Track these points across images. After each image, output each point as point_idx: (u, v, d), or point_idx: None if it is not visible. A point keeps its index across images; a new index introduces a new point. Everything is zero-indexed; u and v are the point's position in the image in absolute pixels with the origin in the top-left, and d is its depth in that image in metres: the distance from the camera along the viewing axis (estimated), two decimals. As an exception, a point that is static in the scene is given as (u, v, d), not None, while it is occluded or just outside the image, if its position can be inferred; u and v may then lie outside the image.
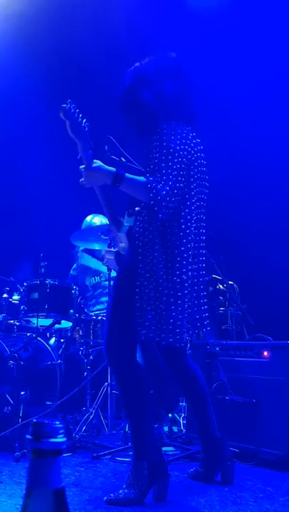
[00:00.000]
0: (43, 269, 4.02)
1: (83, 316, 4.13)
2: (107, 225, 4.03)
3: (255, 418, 3.14)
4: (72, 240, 4.17)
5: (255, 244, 5.08)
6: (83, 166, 2.42)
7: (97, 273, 4.79)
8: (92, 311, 4.48)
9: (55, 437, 0.71)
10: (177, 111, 2.51)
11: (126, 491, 2.32)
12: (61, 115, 2.29)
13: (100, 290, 4.75)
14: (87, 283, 4.79)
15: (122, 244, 2.55)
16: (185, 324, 2.41)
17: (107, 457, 3.20)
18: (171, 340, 2.36)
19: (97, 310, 4.51)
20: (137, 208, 2.51)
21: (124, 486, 2.34)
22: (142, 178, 2.37)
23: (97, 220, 4.68)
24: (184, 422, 3.95)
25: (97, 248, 4.71)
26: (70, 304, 4.03)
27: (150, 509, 2.26)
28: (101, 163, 2.42)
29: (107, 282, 4.09)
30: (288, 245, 4.99)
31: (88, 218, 4.75)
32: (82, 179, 2.45)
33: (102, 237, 3.92)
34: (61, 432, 0.72)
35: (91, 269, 4.81)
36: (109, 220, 2.65)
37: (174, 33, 5.12)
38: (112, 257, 2.65)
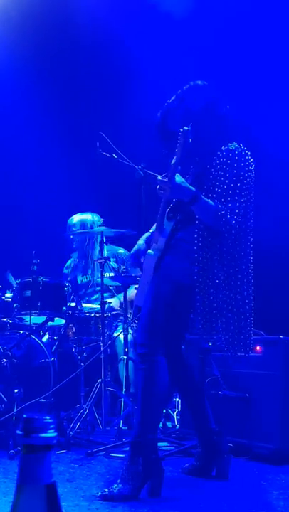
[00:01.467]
0: (35, 267, 4.01)
1: (76, 314, 4.12)
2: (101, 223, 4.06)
3: (249, 413, 3.16)
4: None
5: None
6: (164, 176, 2.55)
7: (87, 271, 4.79)
8: (84, 309, 4.48)
9: (46, 432, 0.71)
10: (231, 131, 2.70)
11: (120, 486, 2.32)
12: (180, 133, 2.53)
13: (92, 289, 4.75)
14: (78, 281, 4.78)
15: (157, 246, 2.66)
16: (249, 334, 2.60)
17: (101, 454, 3.21)
18: (242, 350, 2.57)
19: (90, 308, 4.51)
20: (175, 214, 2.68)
21: (118, 482, 2.35)
22: (212, 203, 2.50)
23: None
24: (178, 417, 3.96)
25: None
26: (63, 301, 4.03)
27: (145, 504, 2.27)
28: (184, 180, 2.54)
29: (99, 279, 4.08)
30: (279, 240, 5.00)
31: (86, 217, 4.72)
32: (161, 189, 2.57)
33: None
34: (51, 426, 0.71)
35: (84, 267, 4.80)
36: (157, 223, 2.74)
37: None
38: (148, 257, 2.71)
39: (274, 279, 4.94)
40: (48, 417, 0.72)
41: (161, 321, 2.52)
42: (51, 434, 0.71)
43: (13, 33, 5.52)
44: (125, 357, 4.01)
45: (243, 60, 5.00)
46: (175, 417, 4.05)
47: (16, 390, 3.41)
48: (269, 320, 4.06)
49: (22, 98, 5.82)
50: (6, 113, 5.76)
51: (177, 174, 2.52)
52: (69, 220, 4.72)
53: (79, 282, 4.76)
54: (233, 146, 2.61)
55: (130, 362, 4.02)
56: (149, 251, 2.71)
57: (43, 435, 0.71)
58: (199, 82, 2.77)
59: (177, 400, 4.08)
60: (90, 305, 4.57)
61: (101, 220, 4.14)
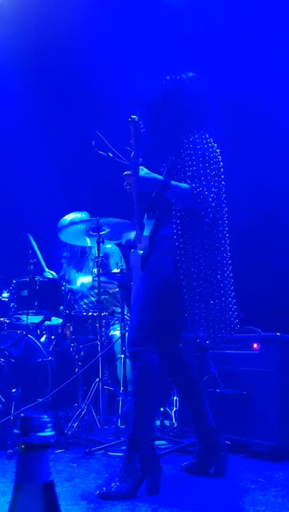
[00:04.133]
0: (32, 266, 4.01)
1: (73, 313, 4.12)
2: (91, 220, 4.03)
3: (246, 410, 3.17)
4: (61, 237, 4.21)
5: (243, 238, 5.09)
6: (129, 172, 2.54)
7: (78, 270, 4.79)
8: (84, 309, 4.48)
9: (43, 431, 0.71)
10: (202, 120, 2.70)
11: (118, 484, 2.33)
12: (130, 124, 2.50)
13: (86, 288, 4.75)
14: (72, 277, 4.78)
15: (141, 245, 2.66)
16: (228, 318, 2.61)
17: (99, 452, 3.21)
18: (223, 332, 2.57)
19: (84, 305, 4.51)
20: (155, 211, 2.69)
21: (116, 480, 2.36)
22: (185, 185, 2.51)
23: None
24: (176, 415, 3.97)
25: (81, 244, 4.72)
26: (59, 300, 4.03)
27: (143, 502, 2.27)
28: (148, 171, 2.54)
29: (96, 278, 4.08)
30: (276, 238, 5.01)
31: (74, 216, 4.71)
32: (128, 184, 2.56)
33: (90, 232, 3.94)
34: (49, 425, 0.72)
35: (82, 266, 4.80)
36: (136, 221, 2.75)
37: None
38: (134, 256, 2.72)
39: (270, 277, 4.96)
40: (45, 416, 0.72)
41: (151, 319, 2.52)
42: (49, 432, 0.71)
43: (10, 31, 5.51)
44: (123, 356, 4.01)
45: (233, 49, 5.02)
46: (173, 415, 4.05)
47: (13, 390, 3.41)
48: (266, 317, 4.07)
49: (17, 97, 5.81)
50: (1, 113, 5.75)
51: (141, 167, 2.52)
52: (61, 221, 4.71)
53: (79, 284, 4.75)
54: (197, 134, 2.63)
55: (128, 360, 4.02)
56: (133, 251, 2.72)
57: (41, 434, 0.71)
58: (185, 76, 2.77)
59: (175, 398, 4.08)
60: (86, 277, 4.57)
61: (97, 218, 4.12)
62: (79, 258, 4.77)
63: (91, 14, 5.37)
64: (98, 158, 3.80)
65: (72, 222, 4.34)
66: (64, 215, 4.78)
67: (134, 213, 2.73)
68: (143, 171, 2.52)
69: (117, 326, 4.24)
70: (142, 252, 2.68)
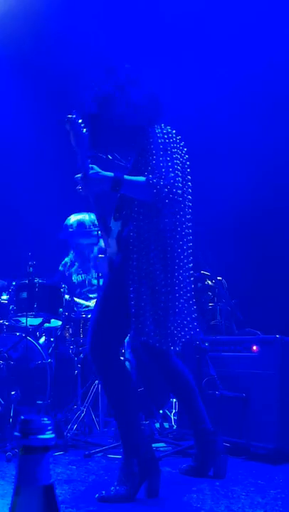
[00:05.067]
0: (31, 269, 4.01)
1: (73, 315, 4.12)
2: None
3: (246, 412, 3.16)
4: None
5: (243, 240, 5.10)
6: (80, 174, 2.45)
7: (84, 270, 4.79)
8: (81, 309, 4.47)
9: (44, 434, 0.71)
10: (152, 114, 2.54)
11: (117, 487, 2.32)
12: (66, 125, 2.40)
13: (88, 287, 4.74)
14: (74, 280, 4.78)
15: (110, 250, 2.57)
16: (182, 327, 2.47)
17: (98, 455, 3.21)
18: (170, 344, 2.41)
19: (86, 307, 4.51)
20: (122, 212, 2.55)
21: (115, 483, 2.35)
22: (141, 178, 2.40)
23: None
24: (175, 418, 3.97)
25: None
26: (59, 302, 4.02)
27: (142, 505, 2.27)
28: (99, 170, 2.45)
29: (95, 280, 4.09)
30: (276, 240, 5.01)
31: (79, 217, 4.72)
32: (80, 187, 2.48)
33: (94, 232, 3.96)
34: (49, 428, 0.72)
35: (81, 266, 4.80)
36: (100, 226, 2.68)
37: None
38: (103, 262, 2.66)
39: (269, 280, 4.96)
40: (45, 419, 0.72)
41: (108, 326, 2.45)
42: (49, 435, 0.71)
43: (8, 30, 5.52)
44: (122, 358, 4.01)
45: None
46: (172, 417, 4.05)
47: (12, 392, 3.40)
48: (265, 319, 4.07)
49: (16, 98, 5.81)
50: (1, 113, 5.76)
51: (92, 166, 2.43)
52: (66, 221, 4.72)
53: (74, 281, 4.76)
54: (158, 129, 2.51)
55: (127, 363, 4.02)
56: (102, 257, 2.67)
57: (41, 436, 0.71)
58: (129, 72, 2.64)
59: (174, 400, 4.08)
60: (84, 301, 4.57)
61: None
62: (86, 257, 4.77)
63: (90, 15, 5.38)
64: (97, 160, 3.81)
65: (81, 223, 4.38)
66: (64, 218, 4.78)
67: (96, 217, 2.66)
68: (93, 171, 2.43)
69: None
70: (106, 256, 2.59)
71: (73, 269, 4.83)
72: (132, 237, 2.44)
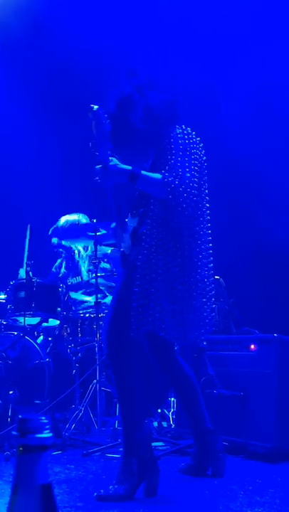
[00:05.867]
0: (29, 268, 4.00)
1: (71, 314, 4.12)
2: (92, 223, 4.03)
3: (244, 411, 3.16)
4: (60, 237, 4.20)
5: (240, 239, 5.10)
6: (100, 165, 2.48)
7: (78, 273, 4.78)
8: (79, 309, 4.47)
9: (41, 433, 0.71)
10: (169, 119, 2.58)
11: (116, 486, 2.33)
12: (90, 115, 2.44)
13: (84, 289, 4.74)
14: (68, 282, 4.78)
15: (124, 244, 2.60)
16: (199, 326, 2.50)
17: (97, 454, 3.21)
18: (186, 341, 2.48)
19: (82, 309, 4.51)
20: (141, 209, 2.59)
21: (114, 482, 2.35)
22: (158, 175, 2.44)
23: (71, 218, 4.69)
24: (174, 416, 3.97)
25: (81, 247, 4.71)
26: (57, 302, 4.02)
27: (140, 504, 2.27)
28: (118, 162, 2.48)
29: (93, 280, 4.08)
30: (273, 239, 5.01)
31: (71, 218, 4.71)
32: (97, 177, 2.50)
33: (89, 233, 3.94)
34: (47, 427, 0.72)
35: (73, 269, 4.80)
36: (116, 220, 2.70)
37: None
38: (117, 255, 2.68)
39: (267, 279, 4.96)
40: (43, 418, 0.72)
41: (124, 322, 2.46)
42: (47, 434, 0.71)
43: (7, 31, 5.51)
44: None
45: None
46: (170, 416, 4.05)
47: (10, 392, 3.40)
48: (263, 318, 4.07)
49: (13, 99, 5.81)
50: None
51: (112, 158, 2.47)
52: (57, 223, 4.71)
53: (69, 283, 4.75)
54: (179, 129, 2.56)
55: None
56: (113, 249, 2.68)
57: (39, 436, 0.71)
58: (151, 75, 2.66)
59: (172, 399, 4.08)
60: (83, 296, 4.57)
61: (94, 220, 4.12)
62: (77, 258, 4.76)
63: (89, 15, 5.37)
64: (95, 160, 3.81)
65: (72, 224, 4.36)
66: (58, 218, 4.78)
67: (112, 211, 2.67)
68: (112, 162, 2.46)
69: None
70: (120, 251, 2.62)
71: (66, 271, 4.82)
72: (146, 234, 2.47)
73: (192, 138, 2.57)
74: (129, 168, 2.45)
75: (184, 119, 2.64)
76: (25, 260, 4.16)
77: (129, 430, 2.42)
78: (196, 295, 2.48)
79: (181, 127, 2.58)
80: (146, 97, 2.56)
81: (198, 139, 2.61)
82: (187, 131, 2.59)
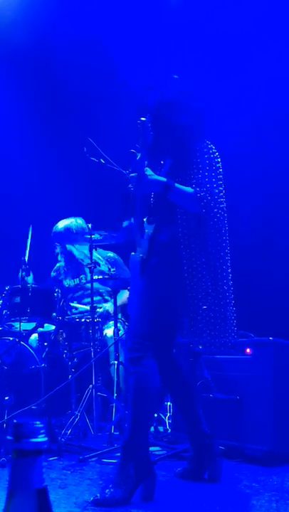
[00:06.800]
0: (24, 273, 4.00)
1: (66, 319, 4.11)
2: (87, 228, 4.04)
3: (240, 415, 3.16)
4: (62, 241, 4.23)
5: (236, 243, 5.10)
6: (135, 173, 2.58)
7: (77, 274, 4.78)
8: (75, 314, 4.47)
9: (36, 437, 0.71)
10: (201, 129, 2.72)
11: (112, 490, 2.32)
12: (139, 127, 2.57)
13: (82, 292, 4.73)
14: (65, 284, 4.77)
15: (141, 249, 2.67)
16: (228, 332, 2.62)
17: (93, 459, 3.20)
18: (222, 341, 2.58)
19: (79, 312, 4.50)
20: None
21: (110, 486, 2.35)
22: (189, 189, 2.55)
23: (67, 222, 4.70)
24: (170, 421, 3.96)
25: (77, 250, 4.71)
26: (52, 307, 4.02)
27: (137, 508, 2.27)
28: (152, 173, 2.57)
29: (89, 284, 4.08)
30: (269, 243, 5.03)
31: (68, 222, 4.71)
32: (131, 185, 2.62)
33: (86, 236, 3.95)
34: (42, 431, 0.72)
35: (71, 271, 4.79)
36: (136, 225, 2.76)
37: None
38: (135, 262, 2.71)
39: (262, 282, 4.97)
40: (38, 422, 0.72)
41: (150, 326, 2.53)
42: (42, 438, 0.71)
43: (5, 32, 5.52)
44: (116, 362, 4.00)
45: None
46: (167, 421, 4.04)
47: (6, 398, 3.39)
48: (258, 322, 4.08)
49: (9, 103, 5.81)
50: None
51: (146, 168, 2.56)
52: (54, 227, 4.72)
53: (66, 285, 4.75)
54: (203, 144, 2.67)
55: (121, 367, 4.02)
56: (133, 254, 2.72)
57: (34, 440, 0.71)
58: (182, 87, 2.77)
59: (169, 403, 4.07)
60: (80, 305, 4.57)
61: (89, 225, 4.12)
62: (75, 262, 4.76)
63: (89, 16, 5.38)
64: (90, 165, 3.82)
65: (68, 228, 4.37)
66: (57, 222, 4.78)
67: (135, 216, 2.76)
68: (148, 172, 2.56)
69: (111, 324, 4.23)
70: (138, 257, 2.67)
71: (64, 275, 4.82)
72: (182, 245, 2.57)
73: (215, 153, 2.68)
74: (164, 179, 2.54)
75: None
76: (27, 255, 4.16)
77: (134, 434, 2.42)
78: (218, 302, 2.59)
79: (206, 142, 2.68)
80: (190, 102, 2.71)
81: (217, 153, 2.70)
82: (211, 146, 2.69)
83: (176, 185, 2.54)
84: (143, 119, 2.57)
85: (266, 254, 5.00)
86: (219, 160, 2.69)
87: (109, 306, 4.44)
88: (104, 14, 5.33)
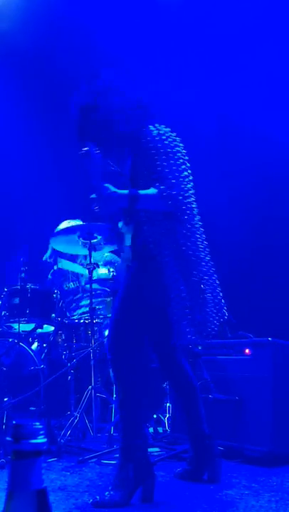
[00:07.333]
0: (23, 274, 4.00)
1: (65, 320, 4.11)
2: (82, 226, 4.01)
3: (239, 415, 3.16)
4: (53, 244, 4.18)
5: (234, 243, 5.11)
6: (94, 195, 2.45)
7: (76, 277, 4.77)
8: (73, 316, 4.46)
9: (35, 438, 0.71)
10: (141, 117, 2.56)
11: (112, 492, 2.32)
12: (84, 158, 2.48)
13: (80, 294, 4.72)
14: (64, 287, 4.76)
15: (125, 255, 2.61)
16: (207, 323, 2.53)
17: (92, 460, 3.20)
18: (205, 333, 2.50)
19: (78, 314, 4.49)
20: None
21: (110, 488, 2.34)
22: (153, 190, 2.42)
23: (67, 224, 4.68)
24: (169, 422, 3.96)
25: (74, 252, 4.70)
26: (51, 308, 4.01)
27: (137, 510, 2.26)
28: (114, 189, 2.44)
29: (88, 286, 4.07)
30: (267, 244, 5.03)
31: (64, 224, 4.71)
32: (96, 207, 2.47)
33: (81, 240, 3.92)
34: (41, 432, 0.72)
35: (69, 274, 4.79)
36: (113, 237, 2.71)
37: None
38: (120, 267, 2.70)
39: (261, 282, 4.97)
40: (37, 423, 0.72)
41: (127, 328, 2.49)
42: (41, 439, 0.71)
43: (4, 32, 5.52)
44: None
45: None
46: (166, 422, 4.04)
47: (5, 399, 3.39)
48: (257, 322, 4.08)
49: (8, 104, 5.81)
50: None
51: (106, 185, 2.44)
52: (56, 230, 4.71)
53: (66, 288, 4.74)
54: (152, 127, 2.52)
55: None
56: (120, 263, 2.71)
57: (33, 441, 0.71)
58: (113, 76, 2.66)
59: (168, 404, 4.07)
60: (85, 272, 4.57)
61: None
62: (74, 265, 4.76)
63: (88, 16, 5.38)
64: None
65: (63, 231, 4.34)
66: (56, 223, 4.77)
67: (113, 228, 2.71)
68: (109, 190, 2.43)
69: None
70: (122, 263, 2.64)
71: (63, 278, 4.81)
72: (149, 241, 2.46)
73: (170, 136, 2.53)
74: (126, 192, 2.42)
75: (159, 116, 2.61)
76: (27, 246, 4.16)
77: (128, 435, 2.41)
78: (203, 297, 2.51)
79: (155, 126, 2.53)
80: (110, 100, 2.54)
81: (174, 134, 2.56)
82: (162, 129, 2.53)
83: (141, 192, 2.41)
84: (85, 149, 2.47)
85: (266, 255, 5.00)
86: (176, 142, 2.52)
87: (102, 270, 4.42)
88: (104, 14, 5.33)
